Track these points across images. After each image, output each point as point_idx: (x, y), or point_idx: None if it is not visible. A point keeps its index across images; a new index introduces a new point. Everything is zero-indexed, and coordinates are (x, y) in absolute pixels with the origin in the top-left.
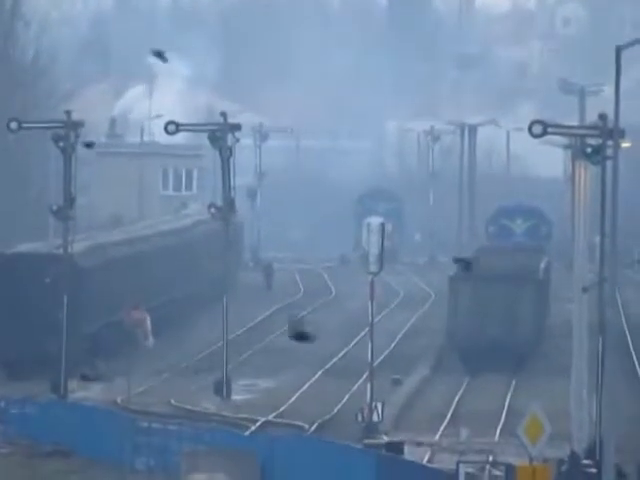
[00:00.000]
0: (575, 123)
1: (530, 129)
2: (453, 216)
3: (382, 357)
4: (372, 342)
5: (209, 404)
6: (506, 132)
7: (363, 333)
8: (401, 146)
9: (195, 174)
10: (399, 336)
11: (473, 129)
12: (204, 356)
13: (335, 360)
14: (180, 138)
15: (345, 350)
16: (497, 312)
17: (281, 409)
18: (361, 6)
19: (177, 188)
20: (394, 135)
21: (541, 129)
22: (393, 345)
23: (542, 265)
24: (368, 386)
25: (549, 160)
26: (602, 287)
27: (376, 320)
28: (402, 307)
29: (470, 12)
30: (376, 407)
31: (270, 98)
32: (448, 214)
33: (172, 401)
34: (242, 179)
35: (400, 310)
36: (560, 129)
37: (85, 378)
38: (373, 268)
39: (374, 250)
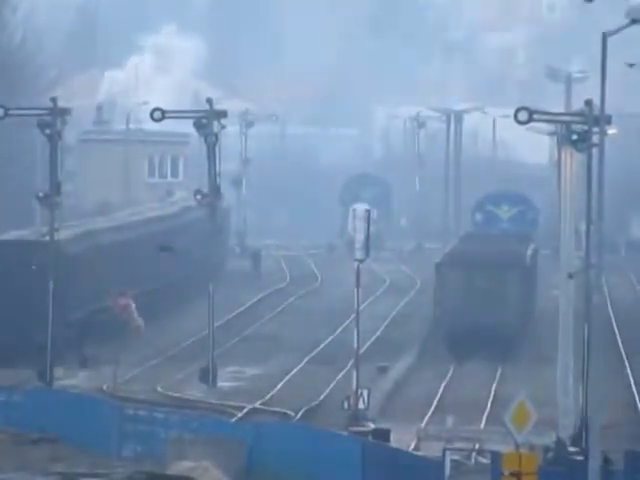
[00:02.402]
0: (562, 110)
1: (516, 116)
2: (439, 202)
3: (368, 344)
4: (358, 329)
5: (195, 391)
6: (492, 119)
7: (349, 320)
8: (388, 132)
9: (181, 161)
10: (385, 323)
11: (459, 116)
12: (191, 343)
13: (321, 347)
14: (168, 125)
15: (331, 337)
16: (484, 299)
17: (267, 396)
18: None
19: (163, 175)
20: (381, 121)
21: (527, 116)
22: (379, 332)
23: (529, 252)
24: (354, 373)
25: (535, 147)
26: (588, 273)
27: (362, 307)
28: (388, 294)
29: None
30: (362, 394)
31: (256, 84)
32: (435, 200)
33: (158, 388)
34: (227, 166)
35: (386, 297)
36: (545, 116)
37: (83, 363)
38: (359, 255)
39: (360, 236)
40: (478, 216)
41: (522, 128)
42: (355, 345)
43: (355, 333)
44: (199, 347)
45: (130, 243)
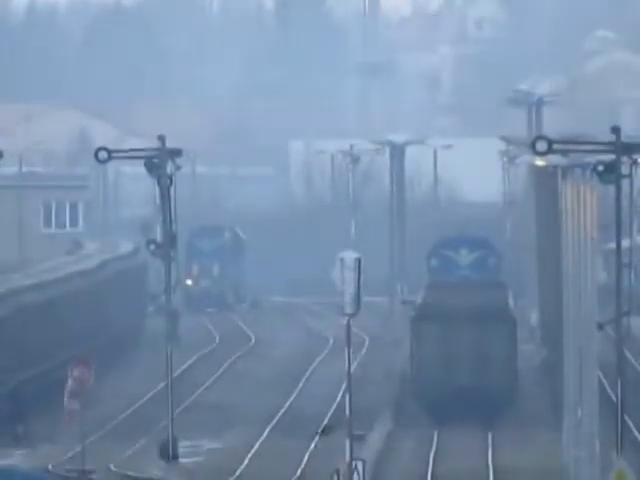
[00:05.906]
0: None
1: (534, 146)
2: (380, 249)
3: (332, 411)
4: (350, 393)
5: (155, 469)
6: (433, 152)
7: (301, 384)
8: (309, 169)
9: (81, 208)
10: (343, 386)
11: (400, 149)
12: (132, 413)
13: (279, 415)
14: (60, 167)
15: (287, 404)
16: (468, 356)
17: (237, 472)
18: (244, 12)
19: (61, 225)
20: (300, 157)
21: (546, 146)
22: (339, 396)
23: (511, 301)
24: (347, 443)
25: (484, 182)
26: (620, 324)
27: (311, 369)
28: (335, 354)
29: (371, 16)
30: (356, 467)
31: (152, 121)
32: (373, 247)
33: (112, 467)
34: (131, 211)
35: (334, 358)
36: (568, 145)
37: (17, 441)
38: (349, 309)
39: (349, 289)
40: (433, 262)
41: (464, 161)
42: (347, 412)
43: (347, 397)
44: (139, 418)
45: (57, 302)
